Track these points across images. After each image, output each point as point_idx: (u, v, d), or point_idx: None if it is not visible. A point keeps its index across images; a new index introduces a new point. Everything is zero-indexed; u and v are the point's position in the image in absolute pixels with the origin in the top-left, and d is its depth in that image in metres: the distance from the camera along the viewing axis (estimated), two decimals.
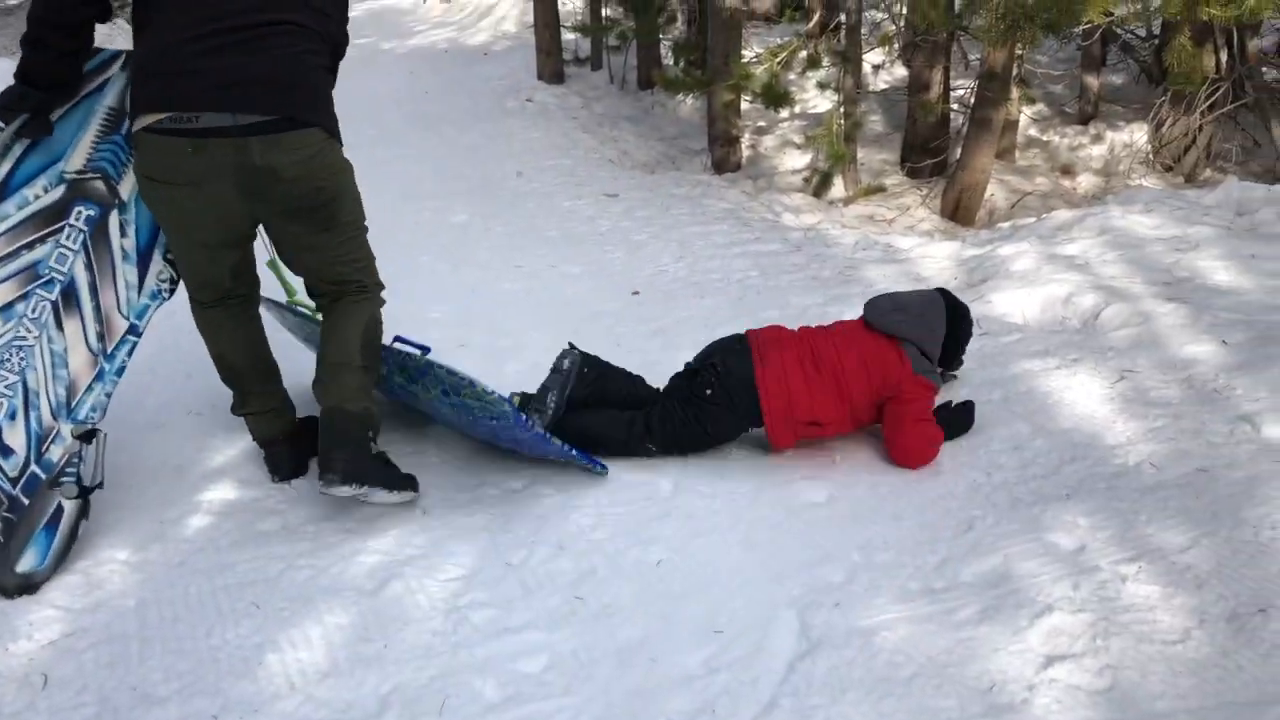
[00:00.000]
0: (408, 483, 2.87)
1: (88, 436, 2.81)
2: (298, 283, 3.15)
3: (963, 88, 7.49)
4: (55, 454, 2.77)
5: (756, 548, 2.74)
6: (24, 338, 2.79)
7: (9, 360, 2.77)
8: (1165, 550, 2.53)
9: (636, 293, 4.74)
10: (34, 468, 2.74)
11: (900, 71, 8.52)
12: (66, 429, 2.79)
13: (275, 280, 3.25)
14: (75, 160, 2.87)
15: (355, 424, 2.77)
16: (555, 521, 2.85)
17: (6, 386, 2.76)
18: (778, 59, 6.75)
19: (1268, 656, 2.18)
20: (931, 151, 7.09)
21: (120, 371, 2.87)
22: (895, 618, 2.42)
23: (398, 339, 3.25)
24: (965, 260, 4.64)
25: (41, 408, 2.78)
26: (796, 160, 7.68)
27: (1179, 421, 3.13)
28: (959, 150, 6.59)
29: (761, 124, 8.29)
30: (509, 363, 3.89)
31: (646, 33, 9.24)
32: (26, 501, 2.70)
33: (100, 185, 2.89)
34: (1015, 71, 6.38)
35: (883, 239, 5.22)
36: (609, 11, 10.19)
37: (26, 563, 2.64)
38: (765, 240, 5.35)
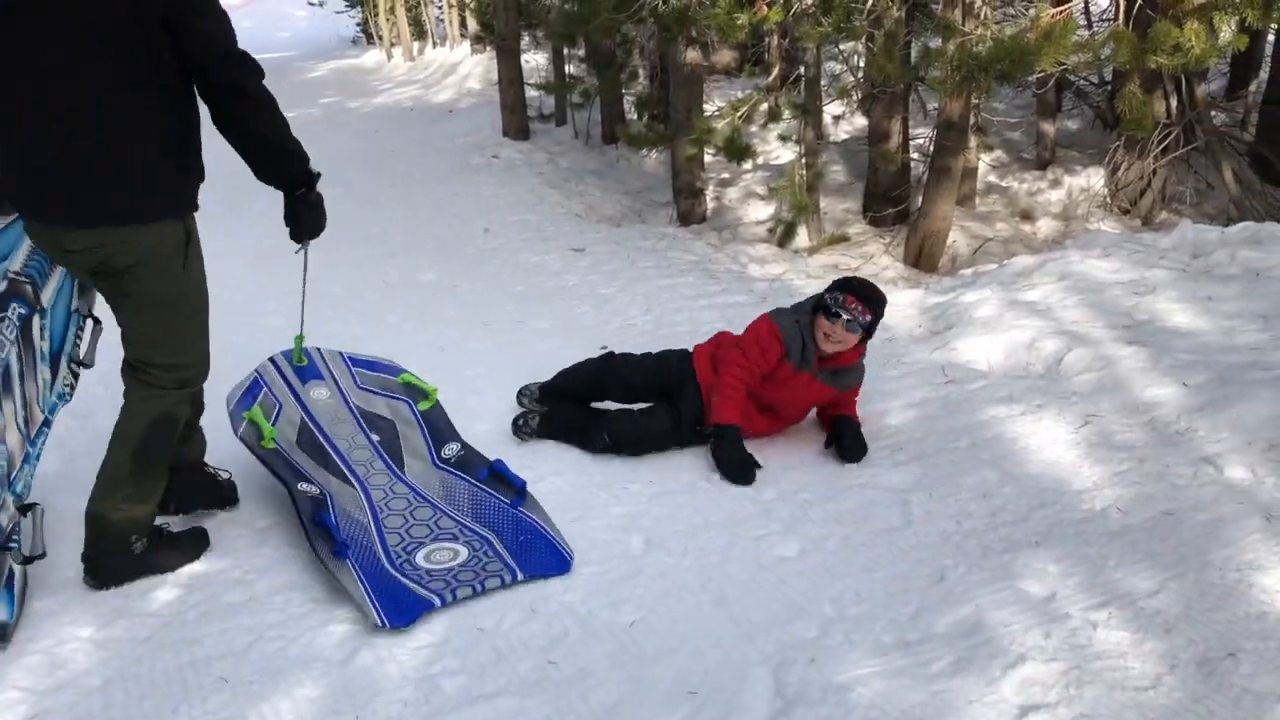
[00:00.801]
0: (170, 561, 2.93)
1: (24, 510, 2.86)
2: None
3: (922, 136, 7.62)
4: (3, 519, 2.80)
5: (728, 605, 2.73)
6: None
7: None
8: (1134, 595, 2.55)
9: (605, 347, 4.74)
10: None
11: (860, 122, 8.67)
12: (9, 499, 2.82)
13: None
14: (16, 262, 2.98)
15: (114, 531, 2.85)
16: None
17: None
18: (739, 112, 6.84)
19: (1238, 701, 2.19)
20: (893, 200, 7.19)
21: (39, 458, 3.00)
22: (870, 672, 2.42)
23: (498, 465, 3.32)
24: (929, 308, 4.69)
25: None
26: (761, 211, 7.76)
27: (1143, 465, 3.16)
28: (920, 198, 6.69)
29: (725, 176, 8.39)
30: (479, 422, 3.88)
31: (609, 89, 9.37)
32: None
33: (29, 289, 3.00)
34: (972, 120, 6.51)
35: None
36: (572, 68, 10.33)
37: None
38: (731, 291, 5.39)
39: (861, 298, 3.49)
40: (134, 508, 2.88)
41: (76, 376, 3.22)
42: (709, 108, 7.44)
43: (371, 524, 3.04)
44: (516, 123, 10.18)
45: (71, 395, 3.21)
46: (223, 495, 3.27)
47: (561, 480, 3.45)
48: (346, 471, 3.26)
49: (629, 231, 7.04)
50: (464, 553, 2.93)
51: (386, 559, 2.89)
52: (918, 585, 2.76)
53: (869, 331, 3.55)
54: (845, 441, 3.53)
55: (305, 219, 2.95)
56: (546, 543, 2.97)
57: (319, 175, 2.93)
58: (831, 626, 2.61)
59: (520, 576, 2.83)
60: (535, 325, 5.11)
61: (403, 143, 10.69)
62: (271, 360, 3.53)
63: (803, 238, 6.89)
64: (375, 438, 3.43)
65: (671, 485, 3.40)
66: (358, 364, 3.68)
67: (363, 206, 7.86)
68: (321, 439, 3.36)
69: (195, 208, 2.78)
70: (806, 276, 5.83)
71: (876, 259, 6.69)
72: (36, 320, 3.04)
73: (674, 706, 2.35)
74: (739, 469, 3.40)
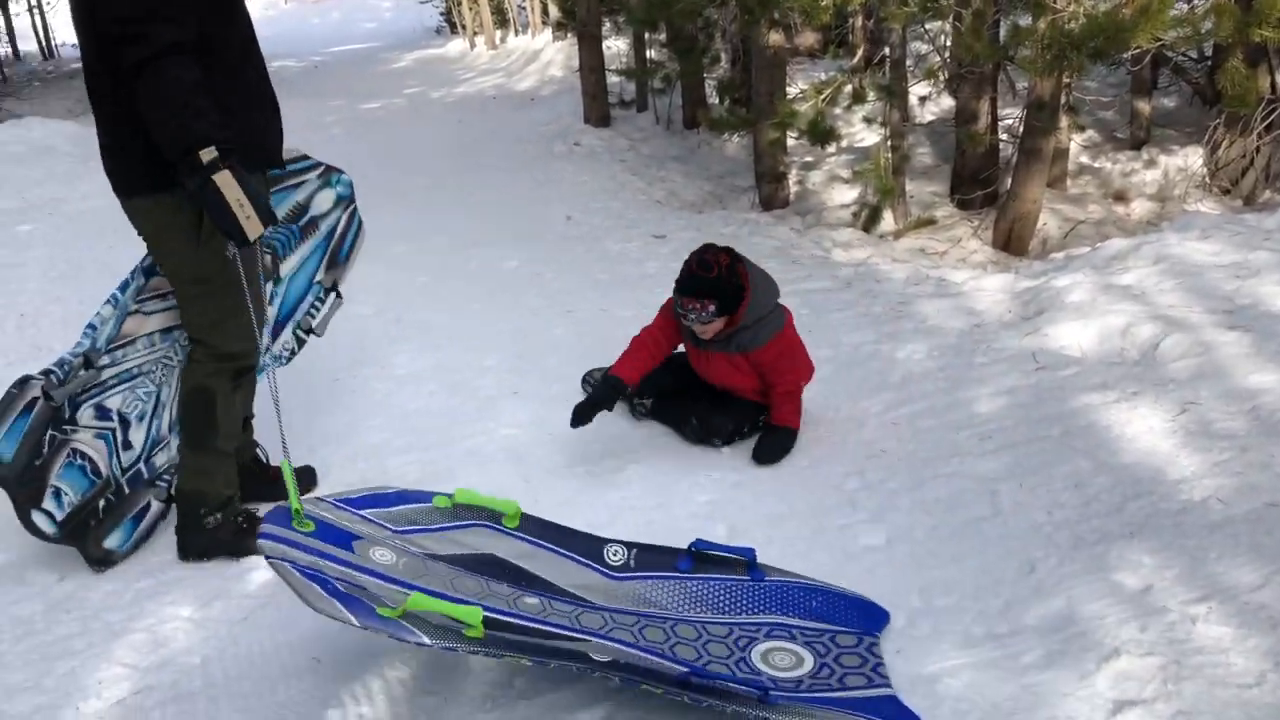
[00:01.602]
0: (251, 546, 2.94)
1: None
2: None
3: (1011, 117, 7.44)
4: (160, 460, 3.26)
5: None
6: (170, 359, 3.20)
7: (154, 373, 3.20)
8: (1236, 590, 2.47)
9: None
10: (141, 466, 3.20)
11: (947, 103, 8.49)
12: (175, 442, 3.19)
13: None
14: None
15: (185, 505, 3.04)
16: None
17: (145, 393, 3.18)
18: (823, 95, 6.76)
19: None
20: (981, 182, 7.04)
21: None
22: (959, 664, 2.39)
23: (699, 545, 2.74)
24: (1020, 292, 4.59)
25: (163, 420, 3.24)
26: (844, 195, 7.66)
27: (1246, 454, 3.05)
28: (1009, 180, 6.54)
29: (808, 159, 8.30)
30: (561, 409, 3.90)
31: (691, 73, 9.32)
32: (127, 491, 3.14)
33: (268, 258, 3.35)
34: (1064, 99, 6.34)
35: (935, 273, 5.19)
36: (653, 54, 10.29)
37: (112, 541, 3.05)
38: (815, 277, 5.33)
39: (696, 294, 3.38)
40: (195, 480, 3.02)
41: (301, 343, 3.59)
42: (792, 91, 7.36)
43: (675, 662, 2.27)
44: (598, 110, 10.19)
45: (289, 360, 3.59)
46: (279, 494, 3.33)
47: (643, 467, 3.46)
48: (549, 628, 2.33)
49: (711, 217, 7.00)
50: (805, 654, 2.45)
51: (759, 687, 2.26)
52: (1007, 576, 2.71)
53: (728, 307, 3.41)
54: (759, 446, 3.53)
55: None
56: (845, 598, 2.60)
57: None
58: (919, 617, 2.58)
59: (879, 636, 2.50)
60: (618, 313, 5.12)
61: (485, 132, 10.77)
62: (273, 539, 2.32)
63: (888, 222, 6.79)
64: (507, 583, 2.60)
65: (757, 474, 3.39)
66: (358, 505, 2.63)
67: (446, 195, 7.95)
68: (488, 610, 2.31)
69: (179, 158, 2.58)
70: (892, 261, 5.74)
71: (964, 242, 6.56)
72: (269, 287, 3.40)
73: None
74: (576, 408, 3.47)
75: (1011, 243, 6.32)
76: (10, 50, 23.34)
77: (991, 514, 3.01)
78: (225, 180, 2.52)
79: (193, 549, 3.05)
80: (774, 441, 3.53)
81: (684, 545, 2.74)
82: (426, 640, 2.11)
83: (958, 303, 4.63)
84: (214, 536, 3.04)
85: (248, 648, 2.65)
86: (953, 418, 3.59)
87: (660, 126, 10.11)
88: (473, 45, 19.41)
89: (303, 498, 2.46)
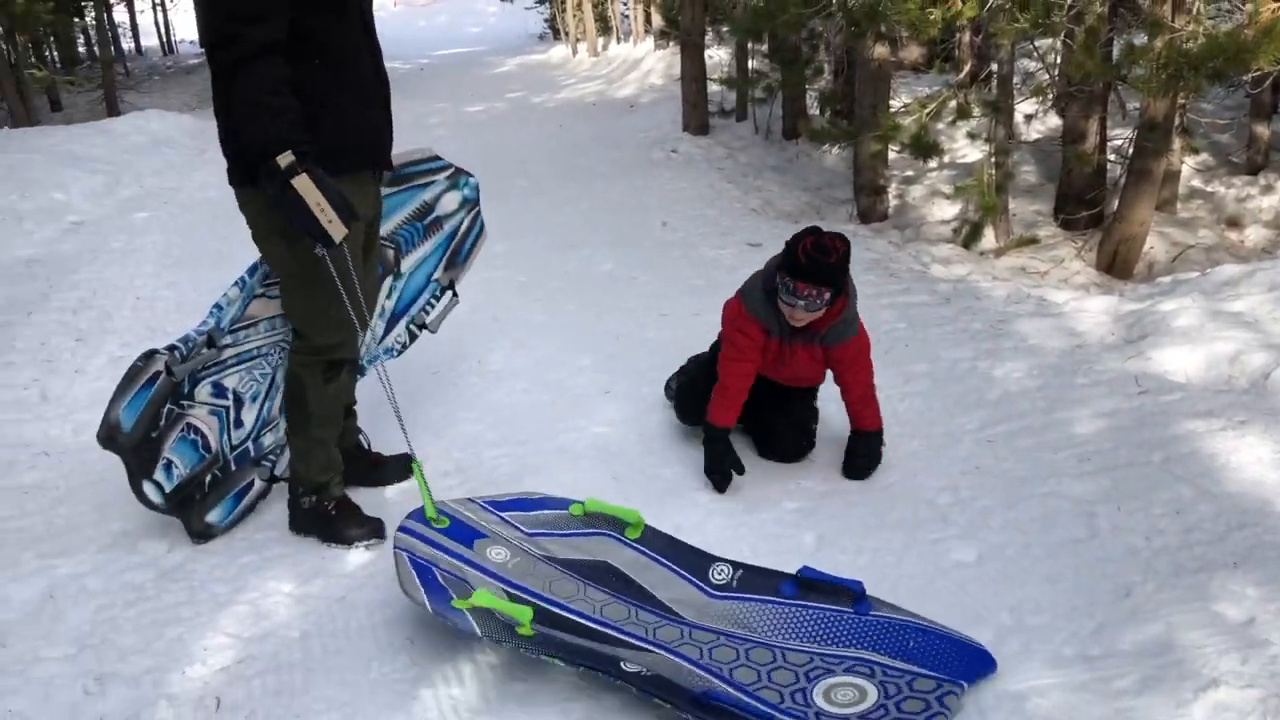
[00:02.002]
0: (336, 534, 3.10)
1: None
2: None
3: (1120, 137, 7.28)
4: (267, 440, 3.40)
5: (903, 606, 2.69)
6: (287, 343, 3.24)
7: (271, 356, 3.32)
8: None
9: None
10: (250, 444, 3.34)
11: (1053, 121, 8.34)
12: (283, 424, 3.29)
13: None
14: (385, 228, 3.41)
15: (291, 482, 3.18)
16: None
17: (260, 374, 3.32)
18: (927, 109, 6.70)
19: None
20: (1087, 203, 6.90)
21: None
22: (1049, 683, 2.36)
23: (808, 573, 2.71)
24: (1123, 315, 4.50)
25: (275, 401, 3.37)
26: (945, 210, 7.57)
27: None
28: (1116, 202, 6.40)
29: (909, 173, 8.22)
30: (654, 412, 3.95)
31: (793, 84, 9.31)
32: (234, 468, 3.28)
33: (390, 253, 3.50)
34: (1177, 121, 6.18)
35: (1036, 292, 5.10)
36: (755, 64, 10.30)
37: (213, 515, 3.17)
38: (913, 291, 5.29)
39: (813, 279, 3.16)
40: (295, 461, 3.14)
41: (413, 338, 3.73)
42: (895, 104, 7.31)
43: (730, 686, 2.39)
44: (697, 118, 10.24)
45: (400, 353, 3.73)
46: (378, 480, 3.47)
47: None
48: (623, 635, 2.55)
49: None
50: (870, 688, 2.39)
51: (795, 716, 2.31)
52: (1102, 599, 2.66)
53: (837, 296, 3.26)
54: (855, 461, 3.43)
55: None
56: (947, 640, 2.48)
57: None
58: (1009, 635, 2.56)
59: (966, 688, 2.36)
60: (711, 319, 5.09)
61: (585, 137, 10.90)
62: (407, 532, 2.76)
63: (989, 239, 6.69)
64: (606, 589, 2.74)
65: (846, 484, 3.39)
66: (505, 508, 2.97)
67: (545, 198, 8.07)
68: (555, 608, 2.62)
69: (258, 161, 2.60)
70: (992, 279, 5.65)
71: (1067, 263, 6.43)
72: (389, 281, 3.55)
73: None
74: (713, 477, 3.38)
75: (1116, 265, 6.18)
76: (133, 45, 24.32)
77: (1088, 536, 2.96)
78: (304, 185, 2.53)
79: (294, 524, 3.18)
80: (869, 450, 3.45)
81: (788, 566, 2.77)
82: (478, 632, 2.39)
83: (1059, 323, 4.55)
84: (309, 516, 3.14)
85: (345, 625, 2.73)
86: (1050, 438, 3.54)
87: (759, 136, 10.11)
88: (575, 51, 19.64)
89: (458, 498, 2.97)
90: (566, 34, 20.68)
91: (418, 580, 2.53)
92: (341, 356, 3.07)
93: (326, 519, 3.12)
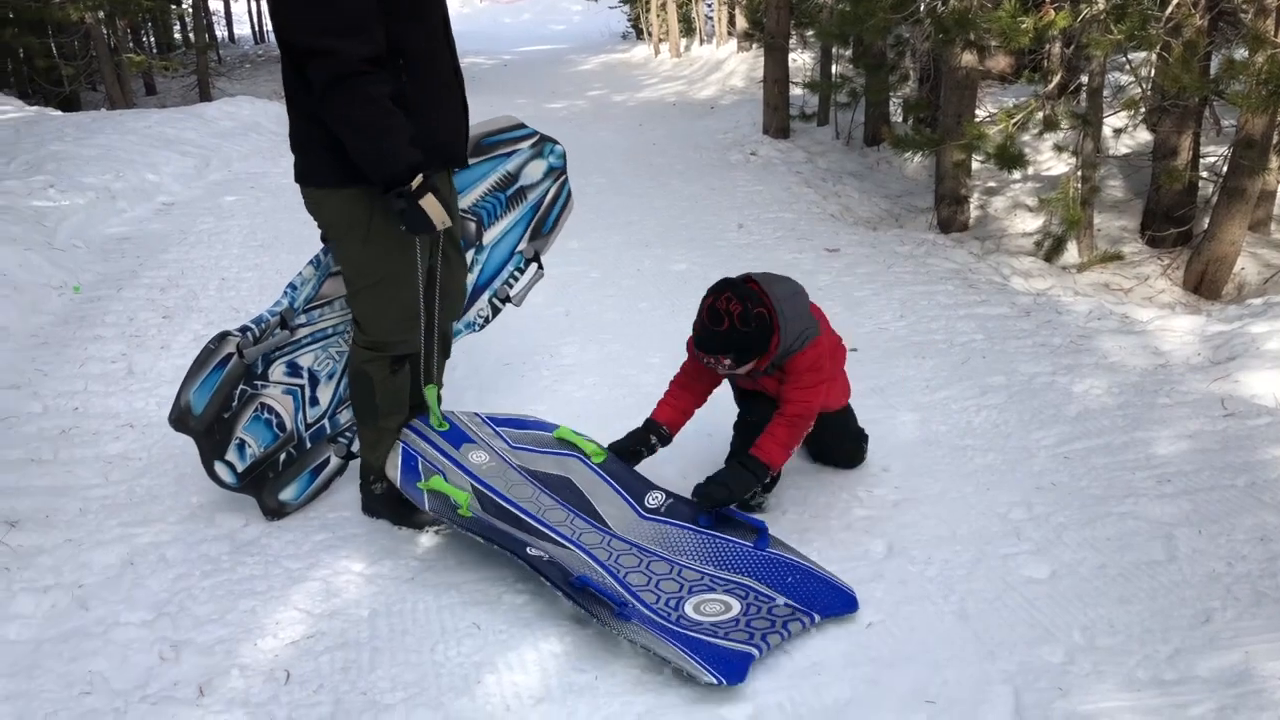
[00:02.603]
0: (401, 518, 3.15)
1: None
2: None
3: (1213, 154, 7.09)
4: (343, 417, 3.41)
5: (971, 619, 2.66)
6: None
7: (345, 334, 3.32)
8: None
9: (855, 349, 4.70)
10: (325, 422, 3.35)
11: (1143, 136, 8.15)
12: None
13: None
14: (466, 200, 3.41)
15: (361, 470, 3.22)
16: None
17: (337, 352, 3.33)
18: (1014, 120, 6.59)
19: None
20: (1176, 220, 6.73)
21: None
22: (1119, 705, 2.31)
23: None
24: (1210, 336, 4.38)
25: None
26: (1028, 223, 7.45)
27: None
28: (1207, 220, 6.24)
29: (991, 184, 8.10)
30: (721, 412, 3.93)
31: (877, 90, 9.22)
32: (309, 446, 3.30)
33: (472, 226, 3.49)
34: (1275, 139, 6.00)
35: (1119, 309, 5.00)
36: (839, 68, 10.23)
37: (287, 493, 3.21)
38: (992, 303, 5.21)
39: (707, 349, 3.03)
40: (363, 449, 3.17)
41: (496, 311, 3.71)
42: (980, 113, 7.20)
43: (615, 582, 2.77)
44: (778, 121, 10.20)
45: (483, 327, 3.73)
46: None
47: (799, 475, 3.45)
48: (552, 533, 2.95)
49: (885, 235, 6.92)
50: (735, 605, 2.69)
51: (660, 616, 2.64)
52: (1179, 624, 2.60)
53: (748, 356, 3.03)
54: (709, 478, 3.07)
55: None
56: (822, 581, 2.76)
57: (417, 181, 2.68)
58: (1079, 654, 2.51)
59: (817, 619, 2.63)
60: None
61: (664, 137, 10.91)
62: (410, 428, 3.21)
63: (1072, 253, 6.56)
64: (557, 497, 3.12)
65: (919, 494, 3.34)
66: (501, 424, 3.35)
67: (622, 196, 8.09)
68: (505, 503, 3.05)
69: (385, 184, 2.67)
70: (1074, 294, 5.54)
71: (1152, 281, 6.29)
72: (470, 254, 3.52)
73: (909, 712, 2.33)
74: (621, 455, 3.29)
75: (1204, 285, 6.03)
76: (226, 33, 24.93)
77: (1166, 559, 2.89)
78: (430, 204, 2.67)
79: (366, 506, 3.22)
80: (728, 476, 3.04)
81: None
82: (427, 508, 2.91)
83: (1142, 341, 4.45)
84: (380, 500, 3.19)
85: (412, 606, 2.77)
86: (1129, 457, 3.46)
87: (839, 141, 10.04)
88: (657, 52, 19.67)
89: (468, 410, 3.33)
90: (649, 34, 20.73)
91: (400, 462, 3.05)
92: (404, 353, 3.11)
93: (398, 504, 3.15)
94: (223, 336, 3.06)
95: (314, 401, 3.30)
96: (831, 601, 2.69)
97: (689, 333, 3.10)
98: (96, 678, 2.46)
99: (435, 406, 3.23)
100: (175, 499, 3.35)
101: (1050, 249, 6.53)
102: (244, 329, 3.08)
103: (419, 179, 2.63)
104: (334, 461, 3.36)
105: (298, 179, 2.92)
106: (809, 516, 3.22)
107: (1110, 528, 3.07)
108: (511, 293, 3.67)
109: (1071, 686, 2.39)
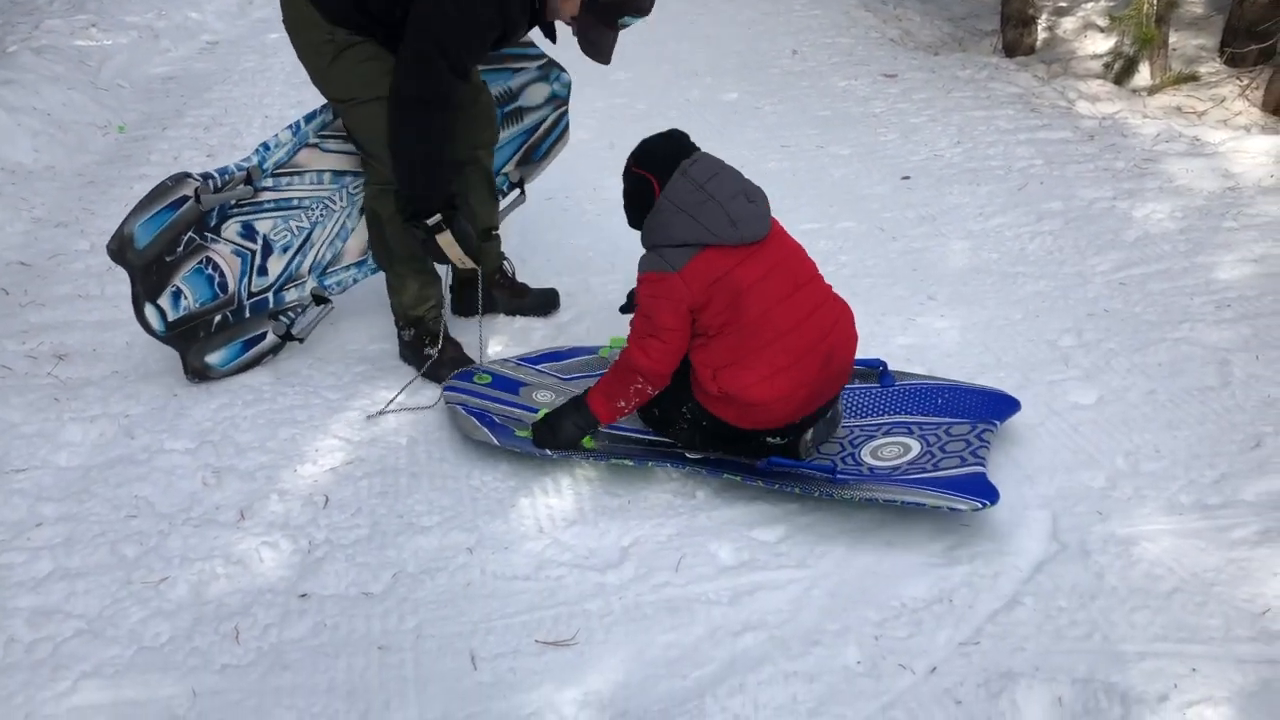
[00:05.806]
0: (436, 375, 3.05)
1: (320, 300, 3.22)
2: None
3: None
4: (290, 295, 3.18)
5: (1011, 444, 2.61)
6: (333, 202, 3.17)
7: (312, 210, 3.13)
8: None
9: (907, 177, 4.54)
10: (270, 295, 3.13)
11: None
12: (310, 284, 3.20)
13: None
14: None
15: (393, 315, 3.16)
16: None
17: (297, 226, 3.12)
18: None
19: None
20: (1258, 36, 6.31)
21: (374, 273, 3.27)
22: (1159, 529, 2.27)
23: None
24: None
25: (307, 257, 3.17)
26: (1098, 45, 7.04)
27: None
28: None
29: (1062, 4, 7.65)
30: None
31: None
32: (248, 315, 3.09)
33: None
34: None
35: (1189, 131, 4.75)
36: None
37: (214, 357, 3.03)
38: (1054, 127, 4.98)
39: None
40: (390, 294, 3.12)
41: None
42: None
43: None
44: None
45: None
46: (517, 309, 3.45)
47: None
48: (650, 437, 2.74)
49: (947, 60, 6.60)
50: (914, 445, 2.55)
51: (864, 474, 2.48)
52: (1227, 449, 2.53)
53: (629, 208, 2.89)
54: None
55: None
56: (972, 393, 2.72)
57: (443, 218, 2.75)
58: (1122, 479, 2.46)
59: (999, 424, 2.58)
60: (835, 151, 4.94)
61: None
62: (454, 389, 2.91)
63: (1144, 75, 6.20)
64: None
65: (962, 319, 3.26)
66: (537, 361, 3.11)
67: (669, 25, 7.77)
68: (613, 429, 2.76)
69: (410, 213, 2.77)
70: (1143, 117, 5.26)
71: (1229, 102, 5.93)
72: None
73: (940, 533, 2.31)
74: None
75: None
76: None
77: (1219, 384, 2.80)
78: (446, 240, 2.77)
79: (401, 352, 3.18)
80: (563, 415, 2.60)
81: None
82: (550, 453, 2.59)
83: (1212, 163, 4.24)
84: (410, 348, 3.14)
85: (450, 434, 2.79)
86: (1188, 282, 3.33)
87: None
88: None
89: (498, 358, 3.15)
90: None
91: (479, 424, 2.70)
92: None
93: (421, 355, 3.11)
94: (182, 177, 2.86)
95: (262, 271, 3.09)
96: (996, 406, 2.64)
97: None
98: (142, 502, 2.52)
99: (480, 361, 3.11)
100: None
101: (1121, 71, 6.17)
102: (206, 175, 2.89)
103: (436, 217, 2.74)
104: (270, 338, 3.14)
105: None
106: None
107: (1163, 353, 2.97)
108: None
109: (1111, 510, 2.35)
